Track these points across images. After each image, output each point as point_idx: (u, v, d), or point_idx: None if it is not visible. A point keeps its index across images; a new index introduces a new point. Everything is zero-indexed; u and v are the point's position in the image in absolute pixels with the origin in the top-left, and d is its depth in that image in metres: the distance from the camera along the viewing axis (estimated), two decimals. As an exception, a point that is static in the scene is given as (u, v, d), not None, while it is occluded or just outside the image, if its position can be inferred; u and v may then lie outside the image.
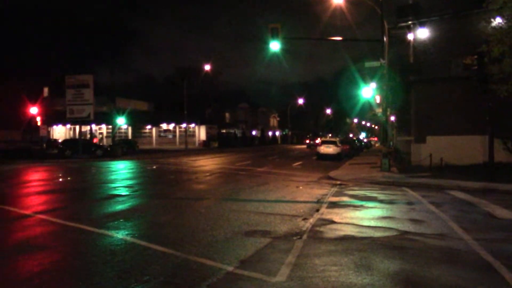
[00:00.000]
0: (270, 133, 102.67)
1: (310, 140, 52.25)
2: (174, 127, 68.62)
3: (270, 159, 35.90)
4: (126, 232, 8.80)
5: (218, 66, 74.49)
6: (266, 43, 23.37)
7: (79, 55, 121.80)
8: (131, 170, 25.92)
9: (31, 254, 7.25)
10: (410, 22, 26.35)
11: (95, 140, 49.63)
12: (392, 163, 24.40)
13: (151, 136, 69.24)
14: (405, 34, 27.99)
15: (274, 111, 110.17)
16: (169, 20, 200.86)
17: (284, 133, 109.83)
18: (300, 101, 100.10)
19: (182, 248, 7.53)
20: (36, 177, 22.25)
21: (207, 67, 58.37)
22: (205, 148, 62.82)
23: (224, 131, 78.39)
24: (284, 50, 24.42)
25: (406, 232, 8.84)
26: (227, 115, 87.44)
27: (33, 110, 42.16)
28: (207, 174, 22.60)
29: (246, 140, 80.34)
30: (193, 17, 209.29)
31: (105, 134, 64.50)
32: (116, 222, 9.83)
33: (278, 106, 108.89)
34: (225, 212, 11.08)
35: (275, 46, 23.11)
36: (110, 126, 60.35)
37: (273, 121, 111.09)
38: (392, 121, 34.30)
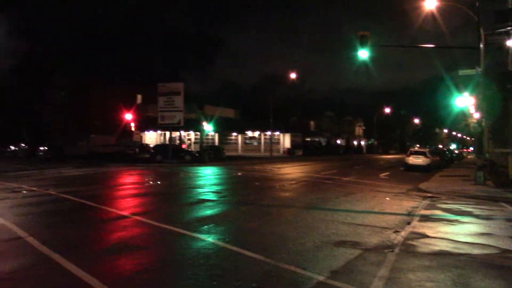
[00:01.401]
0: (355, 142, 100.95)
1: (411, 149, 49.93)
2: (259, 135, 69.43)
3: (356, 169, 35.27)
4: (217, 237, 9.02)
5: (304, 74, 74.53)
6: (354, 50, 23.06)
7: (170, 64, 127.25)
8: (218, 176, 26.54)
9: (130, 254, 7.66)
10: (509, 28, 24.86)
11: (183, 146, 51.38)
12: (487, 176, 23.09)
13: (236, 143, 70.50)
14: (504, 40, 26.44)
15: (360, 120, 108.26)
16: (255, 28, 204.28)
17: (369, 142, 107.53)
18: (387, 110, 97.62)
19: (272, 255, 7.58)
20: (130, 180, 23.47)
21: (293, 75, 58.57)
22: (290, 156, 62.94)
23: (308, 139, 78.19)
24: (372, 57, 23.88)
25: (507, 251, 8.31)
26: (311, 123, 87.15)
27: (128, 116, 44.48)
28: (293, 182, 22.63)
29: (331, 149, 79.59)
30: (279, 25, 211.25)
31: (193, 140, 66.52)
32: (207, 227, 10.10)
33: (363, 115, 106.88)
34: (313, 220, 11.04)
35: (363, 54, 22.73)
36: (198, 133, 62.18)
37: (358, 130, 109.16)
38: (487, 132, 32.48)
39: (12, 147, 61.77)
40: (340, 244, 8.50)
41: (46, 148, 52.51)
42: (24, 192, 16.98)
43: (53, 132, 64.57)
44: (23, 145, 59.81)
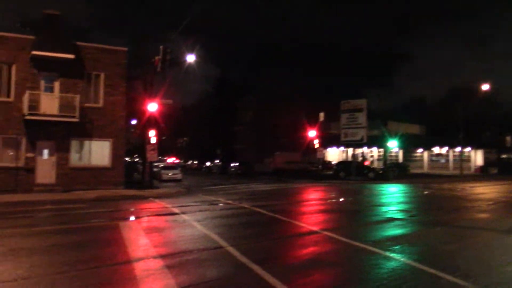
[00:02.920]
0: None
1: None
2: (447, 151, 65.14)
3: None
4: (412, 257, 8.57)
5: (497, 85, 67.91)
6: None
7: (352, 80, 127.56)
8: (403, 194, 25.51)
9: (324, 270, 7.72)
10: None
11: (366, 163, 50.68)
12: None
13: (422, 160, 67.17)
14: None
15: None
16: (441, 40, 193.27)
17: None
18: None
19: (478, 282, 6.93)
20: (315, 196, 23.89)
21: (485, 87, 53.91)
22: (482, 174, 57.74)
23: (504, 156, 70.93)
24: None
25: None
26: (507, 138, 78.90)
27: (311, 133, 45.50)
28: (490, 202, 20.61)
29: (532, 167, 71.01)
30: (468, 35, 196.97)
31: (376, 157, 65.31)
32: (399, 246, 9.70)
33: None
34: (521, 246, 9.88)
35: None
36: (381, 149, 60.84)
37: None
38: None
39: (208, 164, 67.83)
40: (560, 276, 7.42)
41: (237, 164, 56.43)
42: (221, 204, 18.46)
43: (243, 149, 69.28)
44: (217, 161, 65.20)
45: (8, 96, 24.04)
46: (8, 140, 23.84)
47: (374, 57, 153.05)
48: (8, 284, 6.73)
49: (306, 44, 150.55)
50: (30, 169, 24.11)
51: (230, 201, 19.56)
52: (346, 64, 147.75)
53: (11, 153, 23.88)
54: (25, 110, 23.44)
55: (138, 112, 33.56)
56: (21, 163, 23.83)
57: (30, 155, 24.19)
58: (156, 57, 27.07)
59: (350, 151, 51.51)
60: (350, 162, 43.62)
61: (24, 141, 24.04)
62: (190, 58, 28.99)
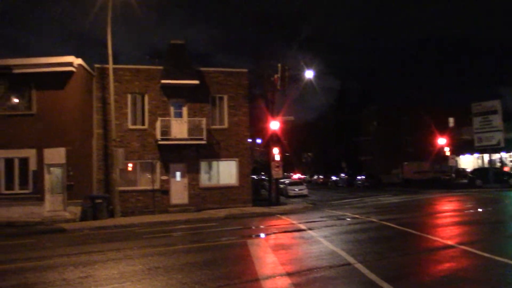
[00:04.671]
0: None
1: None
2: None
3: None
4: None
5: None
6: None
7: (482, 81, 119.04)
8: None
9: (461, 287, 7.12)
10: None
11: (506, 169, 46.68)
12: None
13: None
14: None
15: None
16: None
17: None
18: None
19: None
20: (448, 207, 22.45)
21: None
22: None
23: None
24: None
25: None
26: None
27: (441, 141, 43.15)
28: None
29: None
30: None
31: (517, 161, 59.95)
32: (550, 260, 8.67)
33: None
34: None
35: None
36: (523, 153, 55.72)
37: None
38: None
39: (334, 178, 67.29)
40: None
41: (363, 177, 55.22)
42: (348, 219, 18.08)
43: (369, 161, 67.68)
44: (343, 175, 64.40)
45: (143, 123, 26.03)
46: (145, 164, 25.77)
47: (504, 50, 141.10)
48: (146, 301, 7.15)
49: (428, 45, 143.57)
50: (165, 191, 25.76)
51: (357, 215, 19.09)
52: (475, 62, 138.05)
53: (148, 176, 25.74)
54: (158, 135, 25.17)
55: (262, 130, 34.40)
56: (157, 186, 25.56)
57: (164, 177, 25.86)
58: (275, 75, 27.58)
59: (486, 157, 47.81)
60: (487, 168, 40.39)
61: (158, 165, 25.80)
62: (309, 73, 29.16)
